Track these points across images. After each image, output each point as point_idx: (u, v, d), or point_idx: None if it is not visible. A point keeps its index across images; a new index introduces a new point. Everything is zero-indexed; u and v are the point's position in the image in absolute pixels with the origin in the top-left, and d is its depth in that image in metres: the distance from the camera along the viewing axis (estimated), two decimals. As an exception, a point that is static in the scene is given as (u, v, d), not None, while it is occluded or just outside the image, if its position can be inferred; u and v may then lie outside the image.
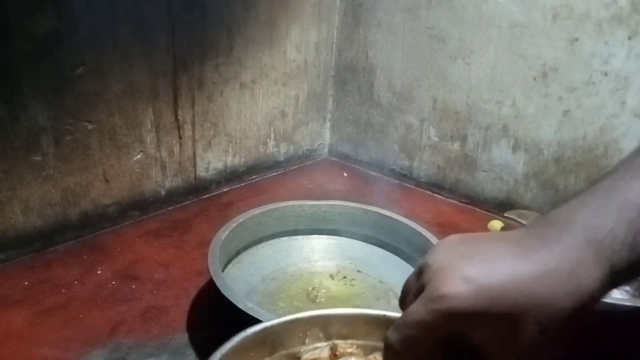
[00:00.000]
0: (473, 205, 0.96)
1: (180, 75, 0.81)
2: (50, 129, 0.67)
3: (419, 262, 0.34)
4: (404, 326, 0.31)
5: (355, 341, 0.41)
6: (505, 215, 0.81)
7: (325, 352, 0.40)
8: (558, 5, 0.79)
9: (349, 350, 0.41)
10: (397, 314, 0.36)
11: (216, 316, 0.58)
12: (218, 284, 0.52)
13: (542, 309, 0.28)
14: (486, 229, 0.84)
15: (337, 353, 0.41)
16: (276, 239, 0.72)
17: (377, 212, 0.72)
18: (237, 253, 0.68)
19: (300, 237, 0.73)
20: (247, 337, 0.38)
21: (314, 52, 1.05)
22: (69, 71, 0.67)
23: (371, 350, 0.41)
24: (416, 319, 0.30)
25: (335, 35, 1.09)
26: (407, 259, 0.71)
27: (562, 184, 0.85)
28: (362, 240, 0.73)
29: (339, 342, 0.41)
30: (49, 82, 0.66)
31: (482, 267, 0.29)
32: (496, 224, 0.83)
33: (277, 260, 0.69)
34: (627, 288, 0.69)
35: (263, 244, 0.71)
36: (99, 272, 0.67)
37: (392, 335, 0.31)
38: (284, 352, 0.40)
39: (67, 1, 0.65)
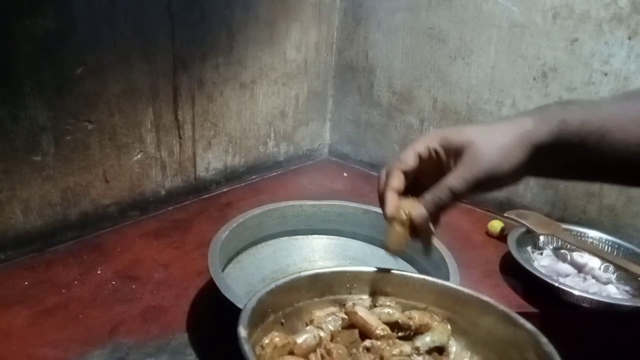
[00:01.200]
0: (473, 205, 0.96)
1: (180, 75, 0.81)
2: (50, 129, 0.67)
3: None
4: (456, 186, 0.42)
5: (395, 298, 0.46)
6: (505, 215, 0.81)
7: (367, 303, 0.45)
8: (558, 6, 0.79)
9: (389, 303, 0.46)
10: (435, 279, 0.46)
11: (216, 316, 0.58)
12: (218, 283, 0.52)
13: (485, 136, 0.42)
14: (486, 230, 0.85)
15: (377, 305, 0.46)
16: (276, 239, 0.72)
17: (377, 212, 0.72)
18: (237, 253, 0.68)
19: (300, 237, 0.73)
20: (300, 278, 0.44)
21: (314, 52, 1.05)
22: (69, 71, 0.67)
23: (409, 308, 0.45)
24: (467, 182, 0.41)
25: (336, 35, 1.09)
26: (407, 259, 0.71)
27: (562, 183, 0.85)
28: (362, 240, 0.73)
29: (381, 297, 0.46)
30: (49, 82, 0.66)
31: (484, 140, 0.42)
32: (496, 224, 0.83)
33: (277, 260, 0.69)
34: (627, 288, 0.69)
35: (263, 244, 0.71)
36: (99, 272, 0.67)
37: (443, 193, 0.42)
38: (331, 297, 0.45)
39: (67, 1, 0.65)
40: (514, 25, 0.84)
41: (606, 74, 0.77)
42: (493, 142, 0.40)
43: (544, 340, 0.39)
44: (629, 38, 0.74)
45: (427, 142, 0.44)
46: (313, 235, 0.73)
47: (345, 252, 0.72)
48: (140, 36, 0.74)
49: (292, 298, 0.43)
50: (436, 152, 0.43)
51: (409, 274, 0.48)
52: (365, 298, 0.46)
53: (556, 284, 0.65)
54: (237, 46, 0.89)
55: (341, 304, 0.45)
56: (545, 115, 0.41)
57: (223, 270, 0.59)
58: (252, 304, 0.39)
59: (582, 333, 0.62)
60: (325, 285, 0.45)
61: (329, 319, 0.44)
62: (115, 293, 0.63)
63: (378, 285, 0.46)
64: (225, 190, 0.96)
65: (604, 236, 0.77)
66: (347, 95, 1.12)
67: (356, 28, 1.06)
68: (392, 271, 0.47)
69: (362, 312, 0.43)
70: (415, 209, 0.43)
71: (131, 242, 0.75)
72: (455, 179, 0.41)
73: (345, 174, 1.09)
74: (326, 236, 0.74)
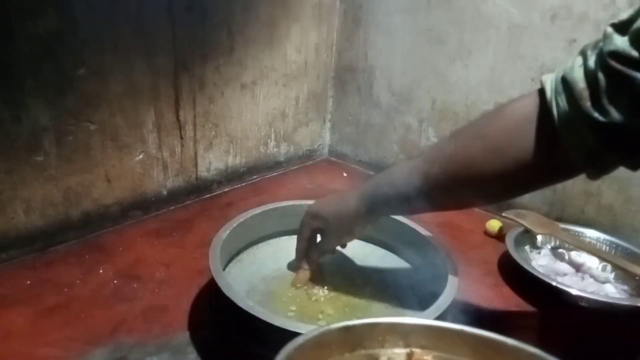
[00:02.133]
0: (472, 205, 0.96)
1: (182, 76, 0.82)
2: (52, 129, 0.68)
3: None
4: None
5: (432, 352, 0.43)
6: (503, 215, 0.81)
7: (402, 357, 0.42)
8: (557, 6, 0.79)
9: (425, 357, 0.42)
10: (474, 329, 0.42)
11: (217, 315, 0.59)
12: (219, 283, 0.52)
13: (334, 216, 0.62)
14: (484, 229, 0.85)
15: (412, 359, 0.42)
16: (277, 239, 0.72)
17: (376, 212, 0.72)
18: (238, 252, 0.68)
19: (300, 236, 0.73)
20: (330, 331, 0.40)
21: (314, 53, 1.06)
22: (71, 72, 0.68)
23: None
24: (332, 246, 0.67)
25: (335, 36, 1.10)
26: (406, 258, 0.71)
27: (561, 183, 0.86)
28: (362, 240, 0.73)
29: (416, 350, 0.43)
30: (50, 83, 0.66)
31: (320, 204, 0.64)
32: (494, 224, 0.84)
33: (278, 260, 0.69)
34: (625, 287, 0.70)
35: (264, 244, 0.71)
36: (100, 271, 0.67)
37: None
38: (363, 351, 0.42)
39: (68, 2, 0.65)
40: (512, 26, 0.85)
41: (604, 75, 0.77)
42: (338, 219, 0.62)
43: None
44: (627, 39, 0.75)
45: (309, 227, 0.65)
46: (313, 235, 0.74)
47: (345, 252, 0.72)
48: (141, 37, 0.74)
49: (320, 355, 0.40)
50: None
51: (446, 324, 0.44)
52: (400, 352, 0.43)
53: (554, 283, 0.65)
54: (237, 47, 0.89)
55: (374, 359, 0.42)
56: (358, 194, 0.60)
57: (224, 270, 0.59)
58: (280, 358, 0.36)
59: (579, 332, 0.62)
60: (356, 339, 0.42)
61: None
62: (117, 292, 0.63)
63: (413, 337, 0.43)
64: (226, 190, 0.96)
65: (602, 235, 0.78)
66: (346, 96, 1.13)
67: (356, 29, 1.06)
68: (429, 322, 0.44)
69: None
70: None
71: (133, 241, 0.75)
72: (318, 248, 0.65)
73: (345, 174, 1.09)
74: (326, 236, 0.74)
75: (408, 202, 0.55)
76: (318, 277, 0.65)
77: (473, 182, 0.50)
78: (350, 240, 0.66)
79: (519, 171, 0.47)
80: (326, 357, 0.40)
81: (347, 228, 0.62)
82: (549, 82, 0.44)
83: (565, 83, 0.42)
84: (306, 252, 0.65)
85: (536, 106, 0.45)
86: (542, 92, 0.45)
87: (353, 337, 0.42)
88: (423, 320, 0.44)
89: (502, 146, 0.47)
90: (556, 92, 0.43)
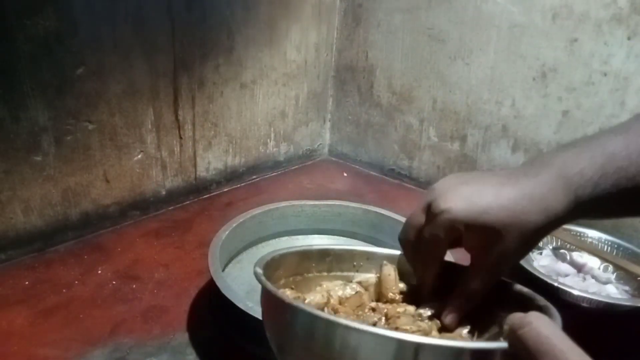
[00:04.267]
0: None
1: (181, 75, 0.81)
2: (51, 129, 0.68)
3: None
4: (409, 228, 0.41)
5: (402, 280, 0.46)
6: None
7: (372, 280, 0.46)
8: (557, 6, 0.79)
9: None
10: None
11: (216, 316, 0.58)
12: (218, 283, 0.52)
13: (518, 222, 0.36)
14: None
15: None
16: (276, 239, 0.72)
17: (377, 212, 0.72)
18: (238, 253, 0.68)
19: (300, 237, 0.73)
20: (310, 251, 0.46)
21: (314, 52, 1.06)
22: (70, 71, 0.68)
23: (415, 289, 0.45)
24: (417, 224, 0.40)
25: (335, 35, 1.09)
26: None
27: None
28: (362, 240, 0.73)
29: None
30: (49, 82, 0.66)
31: (474, 190, 0.37)
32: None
33: (278, 260, 0.69)
34: (627, 288, 0.70)
35: (263, 244, 0.71)
36: (99, 272, 0.67)
37: (402, 235, 0.43)
38: (339, 273, 0.47)
39: (68, 1, 0.65)
40: (513, 26, 0.84)
41: (605, 74, 0.77)
42: (522, 232, 0.36)
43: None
44: (629, 38, 0.74)
45: (445, 224, 0.38)
46: (313, 235, 0.74)
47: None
48: (140, 36, 0.74)
49: (302, 267, 0.45)
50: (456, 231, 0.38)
51: None
52: (371, 277, 0.47)
53: (555, 284, 0.65)
54: (237, 47, 0.89)
55: (348, 281, 0.46)
56: (563, 185, 0.36)
57: (223, 270, 0.59)
58: (265, 259, 0.40)
59: (581, 333, 0.62)
60: (334, 261, 0.47)
61: (337, 287, 0.45)
62: (116, 293, 0.63)
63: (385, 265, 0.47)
64: (225, 190, 0.96)
65: (604, 236, 0.77)
66: (347, 96, 1.13)
67: (356, 28, 1.06)
68: (398, 252, 0.47)
69: (396, 273, 0.45)
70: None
71: (132, 242, 0.75)
72: (477, 282, 0.39)
73: (345, 174, 1.09)
74: (326, 236, 0.74)
75: None
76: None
77: None
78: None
79: None
80: (306, 272, 0.45)
81: (533, 242, 0.38)
82: None
83: None
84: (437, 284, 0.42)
85: None
86: None
87: (331, 260, 0.47)
88: (393, 250, 0.47)
89: None
90: None
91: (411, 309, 0.42)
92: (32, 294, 0.62)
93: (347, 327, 0.30)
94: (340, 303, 0.43)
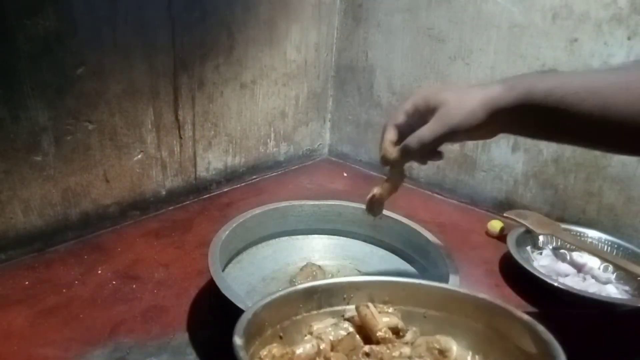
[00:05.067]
0: (472, 205, 0.96)
1: (181, 75, 0.81)
2: (51, 129, 0.68)
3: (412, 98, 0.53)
4: (425, 137, 0.50)
5: (393, 305, 0.46)
6: (504, 215, 0.81)
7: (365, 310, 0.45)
8: (557, 6, 0.79)
9: (386, 310, 0.46)
10: (430, 282, 0.48)
11: (216, 316, 0.58)
12: (218, 283, 0.52)
13: (461, 95, 0.48)
14: (486, 230, 0.85)
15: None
16: (276, 239, 0.72)
17: (377, 212, 0.72)
18: (238, 253, 0.68)
19: (300, 237, 0.73)
20: (296, 292, 0.44)
21: (314, 52, 1.06)
22: (70, 71, 0.68)
23: (407, 314, 0.46)
24: (433, 134, 0.49)
25: (335, 35, 1.09)
26: (406, 258, 0.71)
27: (562, 183, 0.85)
28: (362, 240, 0.73)
29: (379, 305, 0.46)
30: (49, 82, 0.66)
31: (443, 88, 0.51)
32: (496, 224, 0.83)
33: (277, 260, 0.69)
34: (627, 288, 0.70)
35: (263, 244, 0.71)
36: (99, 272, 0.67)
37: (413, 141, 0.50)
38: (329, 309, 0.46)
39: (68, 1, 0.65)
40: (513, 26, 0.84)
41: (605, 74, 0.77)
42: (460, 104, 0.48)
43: (540, 328, 0.40)
44: (629, 38, 0.74)
45: (413, 100, 0.52)
46: (313, 235, 0.74)
47: (346, 252, 0.72)
48: (140, 36, 0.74)
49: (289, 311, 0.43)
50: (419, 108, 0.52)
51: (405, 280, 0.48)
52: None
53: (555, 284, 0.65)
54: (237, 46, 0.89)
55: (340, 315, 0.45)
56: (515, 83, 0.46)
57: (223, 270, 0.59)
58: (247, 316, 0.39)
59: (581, 333, 0.62)
60: (322, 297, 0.45)
61: (329, 329, 0.43)
62: (116, 293, 0.63)
63: (376, 293, 0.47)
64: (225, 190, 0.96)
65: (604, 236, 0.77)
66: (347, 96, 1.13)
67: (356, 28, 1.06)
68: (388, 278, 0.47)
69: (373, 309, 0.44)
70: (394, 152, 0.53)
71: (132, 242, 0.75)
72: (424, 130, 0.50)
73: (345, 174, 1.09)
74: (326, 236, 0.74)
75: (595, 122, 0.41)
76: (399, 183, 0.58)
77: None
78: (460, 141, 0.57)
79: None
80: (294, 314, 0.43)
81: (469, 116, 0.47)
82: None
83: None
84: (397, 139, 0.53)
85: None
86: None
87: (319, 296, 0.45)
88: (383, 277, 0.48)
89: None
90: None
91: (407, 350, 0.41)
92: (32, 294, 0.62)
93: None
94: (332, 348, 0.42)
